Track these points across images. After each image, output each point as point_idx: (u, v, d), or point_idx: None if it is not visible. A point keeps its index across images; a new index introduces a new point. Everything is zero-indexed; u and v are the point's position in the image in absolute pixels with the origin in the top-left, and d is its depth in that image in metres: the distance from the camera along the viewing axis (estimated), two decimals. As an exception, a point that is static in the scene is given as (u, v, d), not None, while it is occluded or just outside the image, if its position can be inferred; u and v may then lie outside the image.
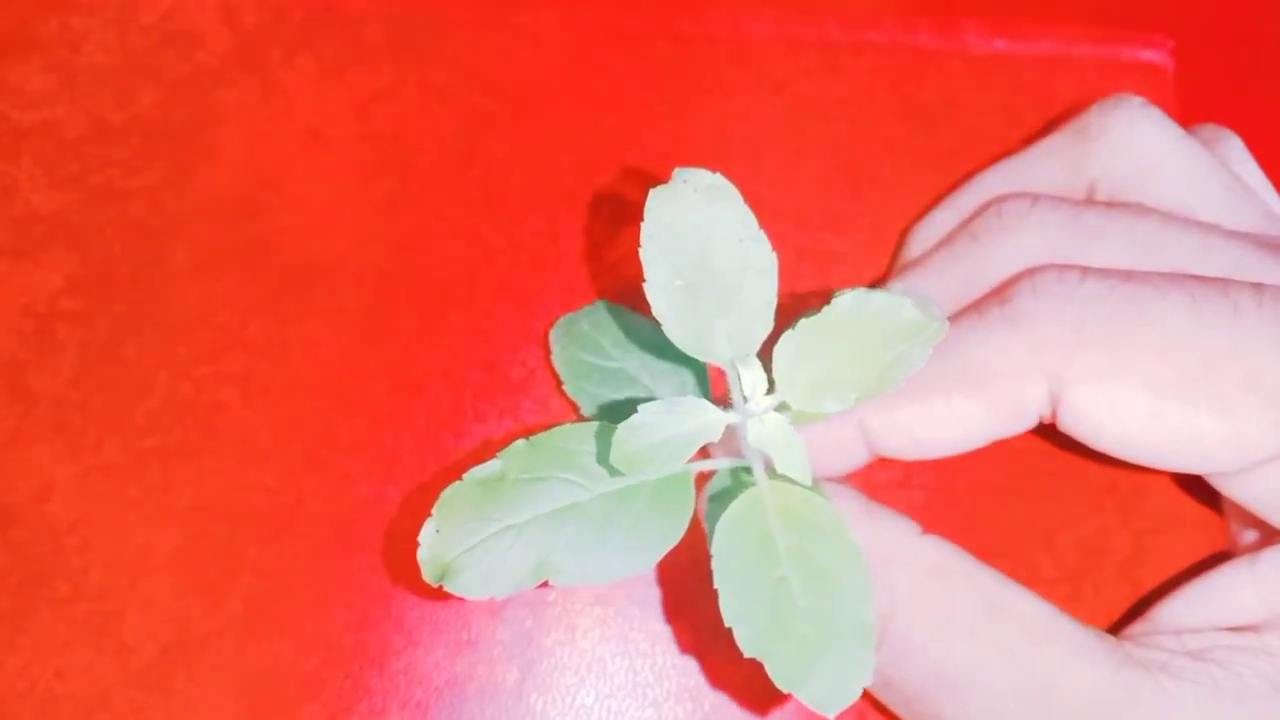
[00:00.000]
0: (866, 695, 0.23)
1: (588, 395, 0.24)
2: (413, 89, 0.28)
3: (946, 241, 0.25)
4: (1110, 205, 0.24)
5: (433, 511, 0.19)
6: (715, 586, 0.18)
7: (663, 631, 0.25)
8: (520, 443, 0.20)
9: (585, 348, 0.25)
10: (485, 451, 0.26)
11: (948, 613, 0.20)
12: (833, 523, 0.19)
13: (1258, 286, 0.21)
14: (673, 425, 0.19)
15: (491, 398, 0.26)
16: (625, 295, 0.27)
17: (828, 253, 0.28)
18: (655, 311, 0.19)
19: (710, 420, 0.19)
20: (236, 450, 0.25)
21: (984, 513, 0.26)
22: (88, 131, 0.28)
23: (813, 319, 0.18)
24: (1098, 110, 0.25)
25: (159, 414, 0.25)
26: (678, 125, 0.29)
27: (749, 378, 0.19)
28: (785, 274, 0.27)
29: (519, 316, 0.27)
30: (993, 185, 0.26)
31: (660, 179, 0.28)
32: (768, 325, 0.19)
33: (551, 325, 0.26)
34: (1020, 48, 0.30)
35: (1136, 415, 0.20)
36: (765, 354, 0.19)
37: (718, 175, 0.19)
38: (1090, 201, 0.24)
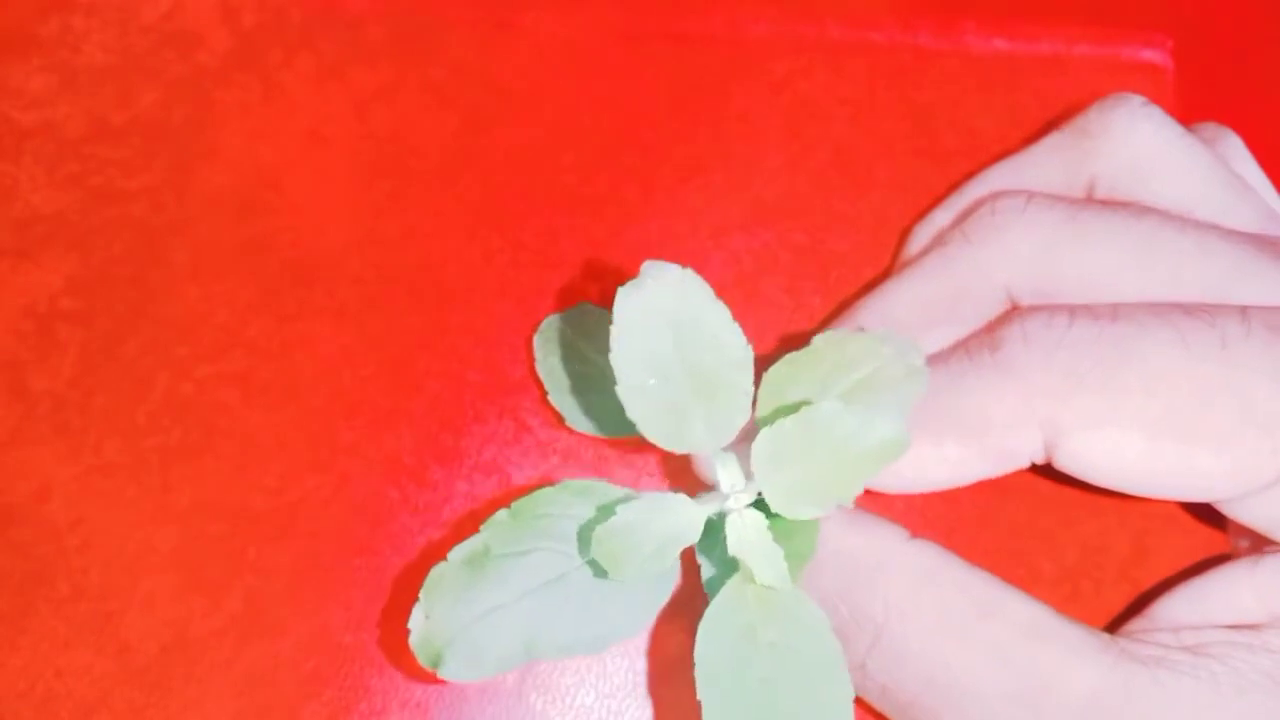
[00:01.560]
0: (863, 703, 0.23)
1: (571, 405, 0.24)
2: (413, 89, 0.28)
3: (940, 241, 0.25)
4: (1107, 204, 0.24)
5: (420, 595, 0.19)
6: (699, 699, 0.18)
7: (663, 631, 0.25)
8: (502, 514, 0.20)
9: (567, 354, 0.24)
10: (485, 452, 0.26)
11: (940, 618, 0.20)
12: (814, 620, 0.19)
13: (1244, 312, 0.21)
14: (652, 526, 0.19)
15: (491, 398, 0.26)
16: (625, 295, 0.27)
17: (828, 253, 0.28)
18: (629, 413, 0.19)
19: (690, 519, 0.19)
20: (236, 450, 0.25)
21: (984, 513, 0.26)
22: (88, 131, 0.28)
23: (792, 423, 0.18)
24: (1097, 109, 0.25)
25: (159, 414, 0.25)
26: (678, 125, 0.29)
27: (726, 476, 0.19)
28: (785, 274, 0.28)
29: (519, 316, 0.27)
30: (992, 184, 0.26)
31: (660, 180, 0.29)
32: (745, 415, 0.19)
33: (536, 329, 0.25)
34: (1020, 48, 0.30)
35: (1133, 455, 0.20)
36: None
37: (688, 270, 0.19)
38: (1087, 200, 0.24)
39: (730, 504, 0.19)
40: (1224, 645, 0.20)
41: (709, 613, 0.19)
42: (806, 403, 0.19)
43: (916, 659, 0.20)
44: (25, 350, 0.26)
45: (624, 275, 0.27)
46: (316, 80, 0.28)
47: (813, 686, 0.18)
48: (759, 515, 0.19)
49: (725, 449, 0.19)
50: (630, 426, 0.24)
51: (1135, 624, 0.23)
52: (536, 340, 0.25)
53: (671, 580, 0.20)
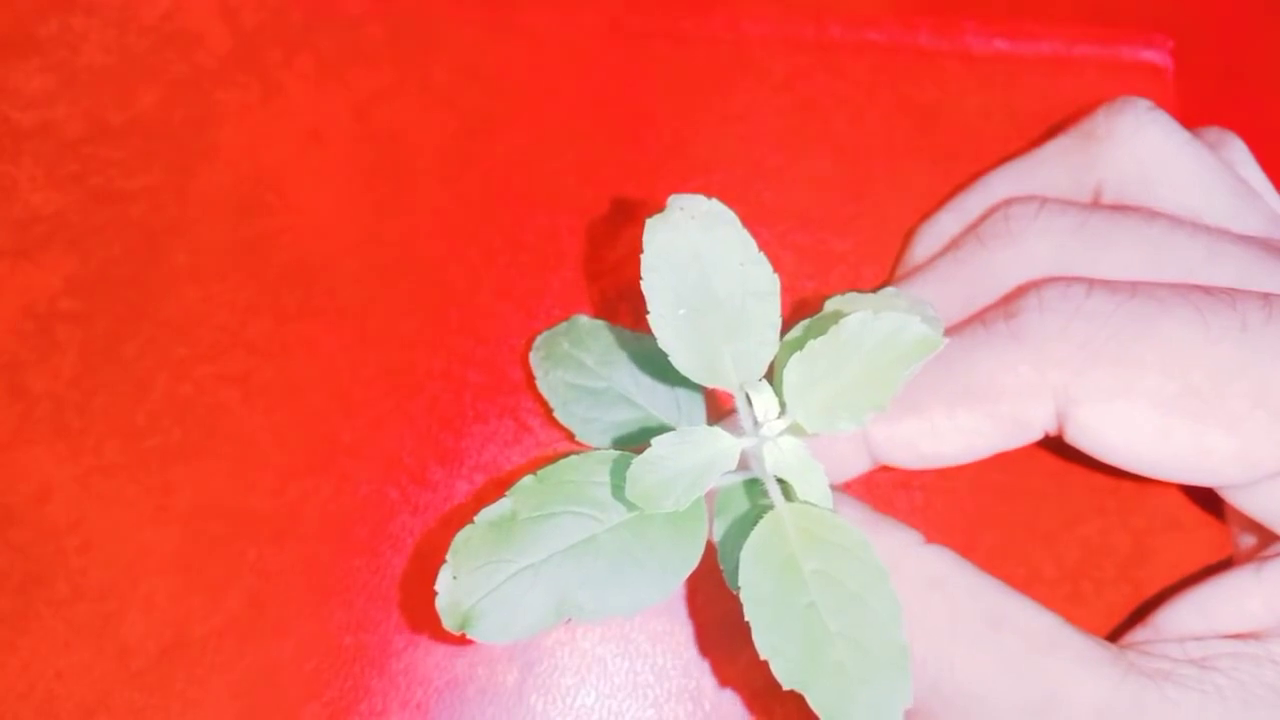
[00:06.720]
0: None
1: (580, 420, 0.24)
2: (413, 89, 0.28)
3: (953, 245, 0.25)
4: (1117, 209, 0.24)
5: (447, 558, 0.19)
6: (747, 619, 0.18)
7: (663, 631, 0.25)
8: (528, 479, 0.20)
9: (569, 369, 0.24)
10: (485, 452, 0.26)
11: (950, 624, 0.20)
12: (855, 543, 0.18)
13: (1266, 299, 0.20)
14: (687, 457, 0.19)
15: (491, 398, 0.26)
16: (625, 296, 0.27)
17: (828, 253, 0.28)
18: (661, 342, 0.19)
19: (724, 449, 0.19)
20: (236, 450, 0.25)
21: (985, 513, 0.26)
22: (88, 131, 0.28)
23: (821, 341, 0.18)
24: (1104, 113, 0.25)
25: (159, 414, 0.25)
26: (678, 125, 0.29)
27: (761, 402, 0.19)
28: (785, 274, 0.27)
29: (519, 316, 0.27)
30: (998, 188, 0.26)
31: (660, 181, 0.29)
32: (773, 348, 0.19)
33: (532, 344, 0.25)
34: (1020, 48, 0.30)
35: (1144, 432, 0.20)
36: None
37: (714, 201, 0.19)
38: (1097, 205, 0.24)
39: (765, 432, 0.19)
40: (1230, 657, 0.20)
41: (748, 546, 0.19)
42: (835, 316, 0.19)
43: (924, 666, 0.20)
44: (25, 350, 0.26)
45: (624, 275, 0.27)
46: (316, 80, 0.28)
47: (860, 604, 0.18)
48: (794, 439, 0.19)
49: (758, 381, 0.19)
50: (641, 437, 0.24)
51: (1140, 633, 0.23)
52: (533, 358, 0.25)
53: (700, 544, 0.20)
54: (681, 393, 0.24)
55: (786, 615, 0.18)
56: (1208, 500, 0.26)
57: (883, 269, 0.28)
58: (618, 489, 0.20)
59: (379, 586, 0.25)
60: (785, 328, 0.19)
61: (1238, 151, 0.26)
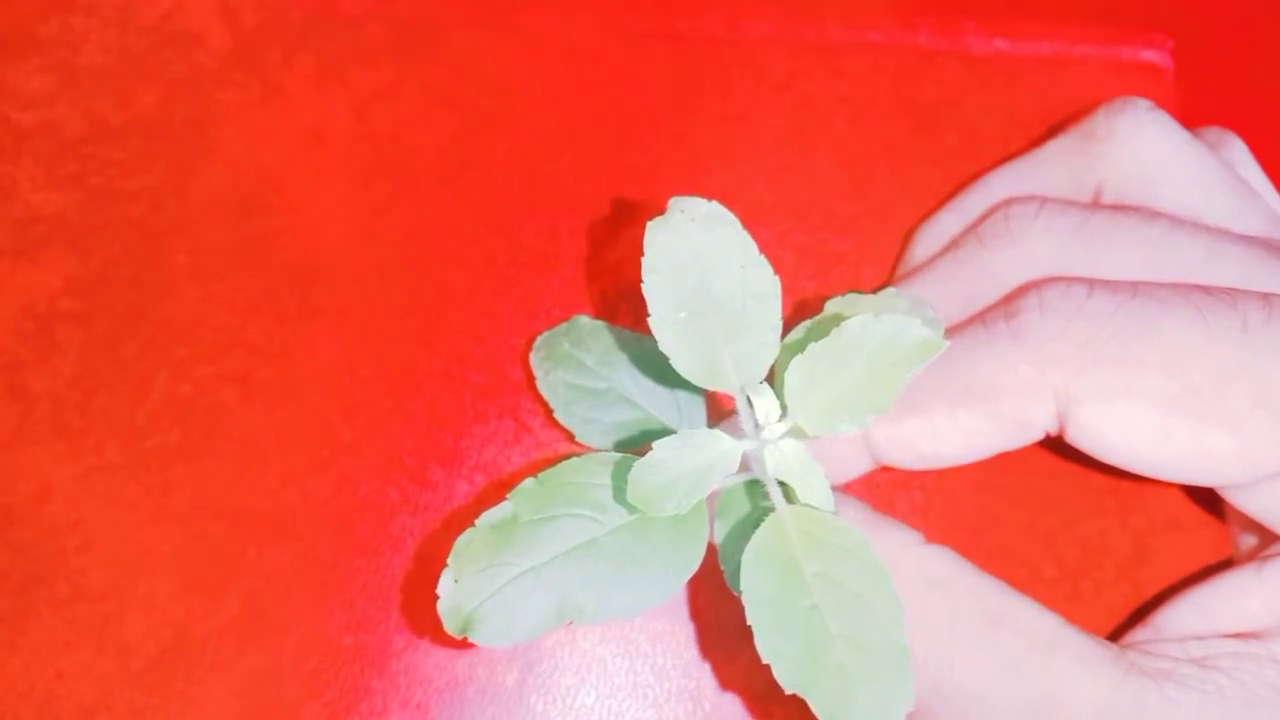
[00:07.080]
0: None
1: (581, 421, 0.24)
2: (413, 89, 0.28)
3: (953, 245, 0.25)
4: (1118, 209, 0.24)
5: (448, 561, 0.19)
6: (749, 622, 0.18)
7: (663, 631, 0.25)
8: (529, 482, 0.20)
9: (569, 369, 0.24)
10: (485, 452, 0.26)
11: (950, 623, 0.20)
12: (856, 545, 0.18)
13: (1266, 298, 0.20)
14: (688, 460, 0.19)
15: (491, 398, 0.26)
16: (625, 297, 0.27)
17: (828, 253, 0.28)
18: (661, 345, 0.19)
19: (726, 451, 0.19)
20: (236, 450, 0.25)
21: (984, 513, 0.26)
22: (88, 131, 0.28)
23: (822, 343, 0.18)
24: (1104, 113, 0.25)
25: (159, 414, 0.25)
26: (678, 125, 0.29)
27: (761, 405, 0.19)
28: (785, 275, 0.27)
29: (519, 317, 0.27)
30: (999, 188, 0.26)
31: (660, 181, 0.29)
32: (774, 350, 0.19)
33: (532, 345, 0.25)
34: (1020, 48, 0.30)
35: (1145, 432, 0.20)
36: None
37: (715, 203, 0.19)
38: (1098, 205, 0.24)
39: (766, 435, 0.19)
40: (1231, 657, 0.20)
41: (750, 548, 0.19)
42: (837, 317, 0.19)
43: (924, 665, 0.20)
44: (25, 350, 0.26)
45: (624, 275, 0.27)
46: (316, 80, 0.28)
47: (861, 605, 0.18)
48: (795, 442, 0.19)
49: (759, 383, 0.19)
50: (642, 439, 0.24)
51: (1141, 633, 0.23)
52: (534, 358, 0.25)
53: (701, 546, 0.20)
54: (682, 394, 0.24)
55: (788, 618, 0.18)
56: (1208, 500, 0.26)
57: (883, 269, 0.28)
58: (619, 491, 0.20)
59: (379, 587, 0.25)
60: (785, 328, 0.19)
61: (1238, 151, 0.26)
